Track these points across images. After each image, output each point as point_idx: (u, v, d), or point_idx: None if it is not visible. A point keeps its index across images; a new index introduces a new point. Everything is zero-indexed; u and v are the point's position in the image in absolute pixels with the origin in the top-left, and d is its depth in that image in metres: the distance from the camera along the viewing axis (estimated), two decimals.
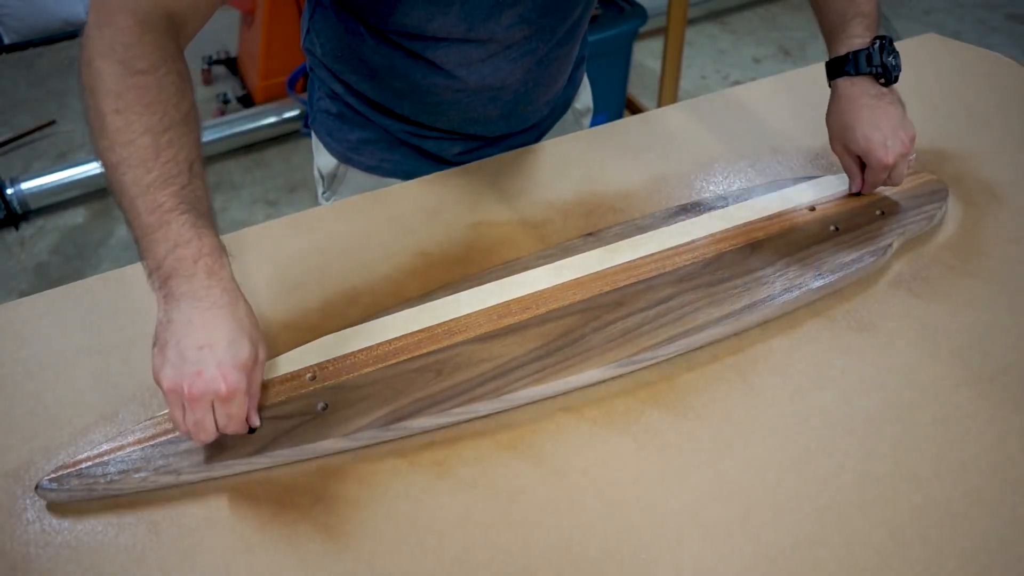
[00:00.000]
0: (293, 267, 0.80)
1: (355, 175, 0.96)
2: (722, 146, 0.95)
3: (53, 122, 2.72)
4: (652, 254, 0.76)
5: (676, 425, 0.65)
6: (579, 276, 0.74)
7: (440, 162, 0.95)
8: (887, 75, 0.77)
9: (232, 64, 2.89)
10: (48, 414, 0.67)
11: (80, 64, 0.62)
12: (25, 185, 2.30)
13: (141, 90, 0.60)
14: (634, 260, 0.76)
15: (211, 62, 2.88)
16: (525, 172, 0.92)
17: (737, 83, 2.75)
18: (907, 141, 0.77)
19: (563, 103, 1.01)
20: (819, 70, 1.09)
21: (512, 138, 0.97)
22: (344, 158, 0.96)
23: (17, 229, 2.32)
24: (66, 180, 2.34)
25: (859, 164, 0.81)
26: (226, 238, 0.84)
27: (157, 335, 0.59)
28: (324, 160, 0.98)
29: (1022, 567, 0.55)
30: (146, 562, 0.57)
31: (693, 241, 0.78)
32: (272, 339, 0.72)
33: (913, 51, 1.12)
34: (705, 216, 0.81)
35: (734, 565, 0.56)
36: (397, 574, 0.56)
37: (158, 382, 0.58)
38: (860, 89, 0.78)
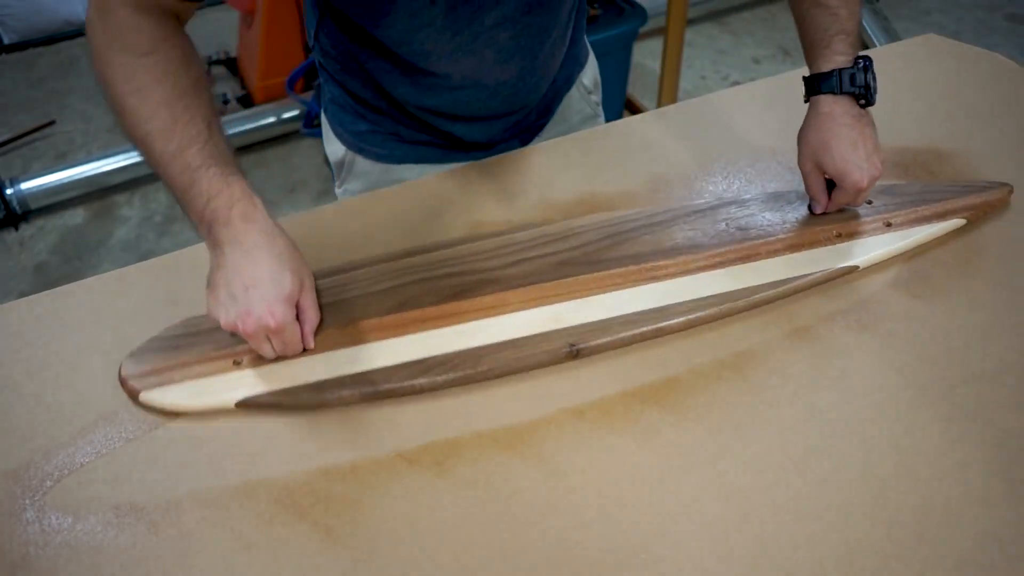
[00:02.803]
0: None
1: (363, 164, 0.97)
2: (722, 146, 0.95)
3: (53, 122, 2.72)
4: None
5: (676, 425, 0.65)
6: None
7: (448, 150, 0.95)
8: (868, 97, 0.77)
9: (232, 64, 2.89)
10: (48, 414, 0.67)
11: (91, 59, 0.67)
12: (25, 185, 2.30)
13: (149, 69, 0.65)
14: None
15: (211, 62, 2.88)
16: (525, 172, 0.92)
17: (737, 83, 2.75)
18: (880, 166, 0.76)
19: (565, 81, 1.00)
20: None
21: (515, 119, 0.96)
22: (355, 148, 0.97)
23: (17, 229, 2.32)
24: (66, 180, 2.34)
25: (825, 183, 0.81)
26: None
27: (209, 279, 0.66)
28: (334, 148, 0.99)
29: (1022, 567, 0.55)
30: (146, 562, 0.57)
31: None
32: None
33: (912, 51, 1.12)
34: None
35: (734, 565, 0.56)
36: (396, 574, 0.56)
37: (215, 321, 0.65)
38: (842, 108, 0.77)
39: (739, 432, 0.64)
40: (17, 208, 2.30)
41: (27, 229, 2.33)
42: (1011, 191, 0.84)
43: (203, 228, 0.66)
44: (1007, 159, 0.91)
